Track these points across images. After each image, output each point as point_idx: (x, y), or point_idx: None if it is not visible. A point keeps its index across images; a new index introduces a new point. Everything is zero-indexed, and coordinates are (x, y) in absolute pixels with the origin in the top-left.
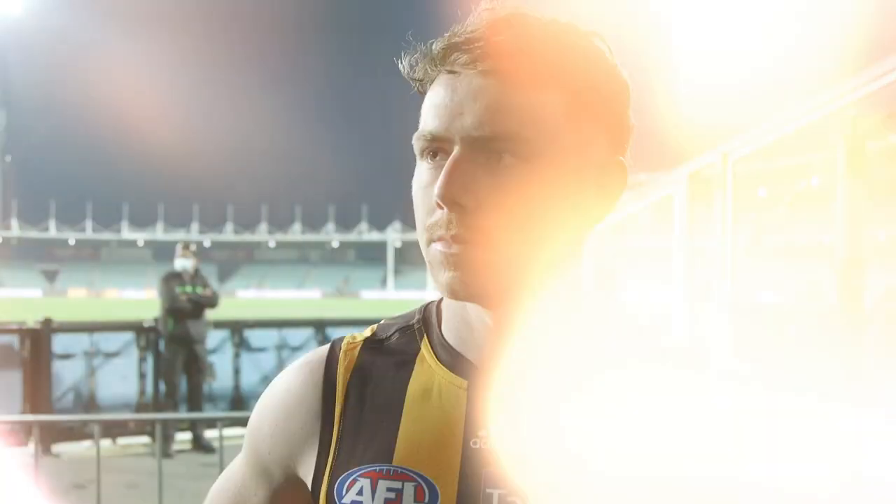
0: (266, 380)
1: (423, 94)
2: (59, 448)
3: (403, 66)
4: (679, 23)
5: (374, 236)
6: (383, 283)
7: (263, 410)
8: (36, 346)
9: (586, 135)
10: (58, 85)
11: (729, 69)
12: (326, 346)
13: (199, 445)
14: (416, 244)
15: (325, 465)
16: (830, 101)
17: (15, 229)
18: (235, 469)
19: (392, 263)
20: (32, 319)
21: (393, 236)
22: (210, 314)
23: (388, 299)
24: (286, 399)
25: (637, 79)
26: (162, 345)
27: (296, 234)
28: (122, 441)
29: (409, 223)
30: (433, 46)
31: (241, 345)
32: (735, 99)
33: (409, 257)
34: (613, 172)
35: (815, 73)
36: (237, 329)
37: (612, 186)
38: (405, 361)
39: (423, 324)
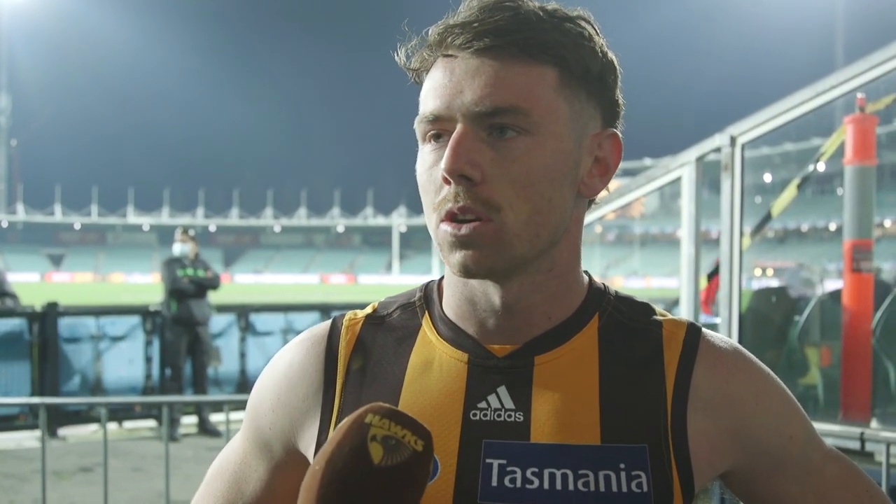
0: None
1: (419, 83)
2: (65, 431)
3: (399, 56)
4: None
5: (380, 221)
6: (388, 267)
7: (265, 385)
8: (43, 330)
9: (580, 108)
10: (63, 69)
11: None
12: (328, 322)
13: (205, 429)
14: (421, 229)
15: (327, 437)
16: (840, 83)
17: (21, 213)
18: (235, 447)
19: (397, 248)
20: (39, 303)
21: (398, 221)
22: (213, 297)
23: (386, 284)
24: (288, 373)
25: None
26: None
27: (301, 218)
28: (128, 424)
29: (415, 208)
30: (428, 33)
31: (248, 329)
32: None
33: (414, 242)
34: (609, 145)
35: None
36: (243, 313)
37: (609, 158)
38: (406, 336)
39: (424, 301)
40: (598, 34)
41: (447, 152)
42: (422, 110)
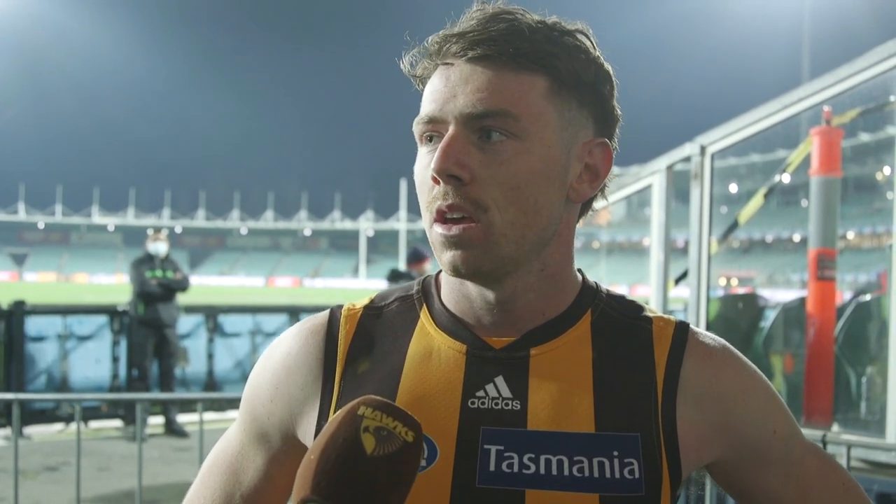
0: (240, 365)
1: (422, 90)
2: (30, 430)
3: (404, 64)
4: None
5: (347, 224)
6: (355, 271)
7: (262, 374)
8: (9, 328)
9: (571, 116)
10: (28, 67)
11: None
12: (325, 313)
13: (172, 430)
14: (388, 233)
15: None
16: (807, 96)
17: None
18: (230, 438)
19: (364, 252)
20: (5, 302)
21: (365, 225)
22: (181, 298)
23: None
24: (286, 362)
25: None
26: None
27: (268, 221)
28: (93, 424)
29: (382, 212)
30: (429, 42)
31: (215, 330)
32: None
33: (381, 246)
34: (599, 153)
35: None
36: (211, 314)
37: (599, 166)
38: (405, 327)
39: (422, 294)
40: (594, 47)
41: (437, 153)
42: (420, 113)
